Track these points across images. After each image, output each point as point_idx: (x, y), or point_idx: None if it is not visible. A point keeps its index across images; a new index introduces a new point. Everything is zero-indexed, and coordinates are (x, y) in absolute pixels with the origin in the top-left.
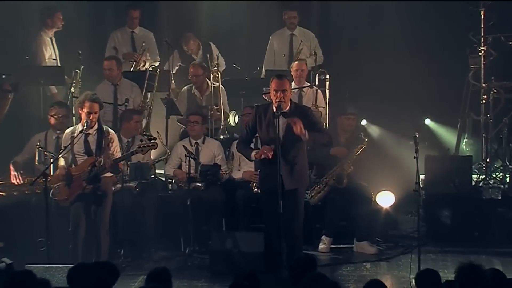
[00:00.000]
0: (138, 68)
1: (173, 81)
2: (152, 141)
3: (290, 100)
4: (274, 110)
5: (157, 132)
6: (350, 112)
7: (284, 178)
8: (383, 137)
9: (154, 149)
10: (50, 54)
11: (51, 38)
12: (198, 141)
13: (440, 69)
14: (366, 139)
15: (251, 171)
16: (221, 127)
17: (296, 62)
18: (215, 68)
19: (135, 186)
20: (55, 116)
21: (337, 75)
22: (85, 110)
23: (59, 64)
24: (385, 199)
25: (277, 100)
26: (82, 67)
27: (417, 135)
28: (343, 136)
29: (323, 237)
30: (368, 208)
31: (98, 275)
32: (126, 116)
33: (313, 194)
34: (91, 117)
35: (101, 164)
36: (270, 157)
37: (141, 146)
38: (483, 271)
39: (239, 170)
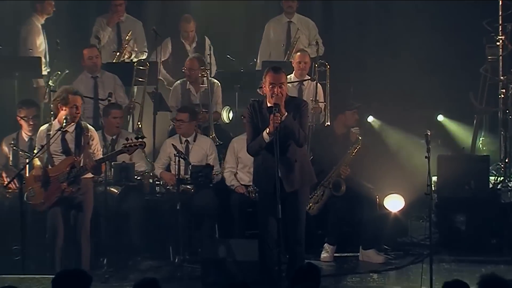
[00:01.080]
0: (122, 59)
1: (163, 71)
2: (140, 140)
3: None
4: (269, 105)
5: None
6: (357, 106)
7: (283, 179)
8: (391, 135)
9: (142, 148)
10: (40, 43)
11: (42, 25)
12: (188, 139)
13: (454, 60)
14: (360, 138)
15: (243, 187)
16: (211, 132)
17: (299, 53)
18: (203, 67)
19: (118, 192)
20: (25, 119)
21: (340, 68)
22: (69, 105)
23: (47, 55)
24: (394, 203)
25: (273, 95)
26: (67, 71)
27: (429, 133)
28: (340, 131)
29: (326, 245)
30: (374, 213)
31: (67, 283)
32: (105, 111)
33: (310, 204)
34: (77, 112)
35: (81, 164)
36: (281, 118)
37: (127, 145)
38: (509, 285)
39: (236, 173)
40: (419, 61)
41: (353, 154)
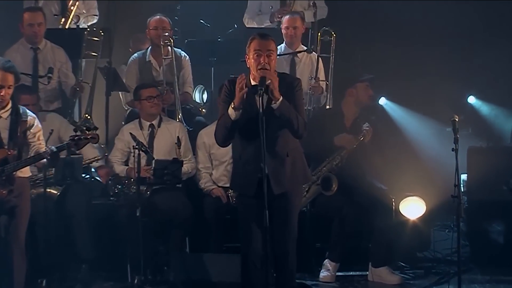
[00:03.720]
0: (67, 25)
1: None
2: (91, 131)
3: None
4: (253, 83)
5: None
6: (369, 77)
7: (271, 178)
8: (408, 122)
9: (94, 143)
10: None
11: None
12: (154, 122)
13: (488, 28)
14: (365, 128)
15: (220, 190)
16: (178, 113)
17: (287, 17)
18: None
19: (57, 193)
20: None
21: (343, 37)
22: None
23: None
24: (412, 208)
25: (258, 66)
26: None
27: (456, 119)
28: (352, 114)
29: (327, 261)
30: (388, 220)
31: None
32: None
33: None
34: (2, 93)
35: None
36: (244, 85)
37: (74, 138)
38: None
39: (211, 174)
40: (444, 28)
41: (355, 145)
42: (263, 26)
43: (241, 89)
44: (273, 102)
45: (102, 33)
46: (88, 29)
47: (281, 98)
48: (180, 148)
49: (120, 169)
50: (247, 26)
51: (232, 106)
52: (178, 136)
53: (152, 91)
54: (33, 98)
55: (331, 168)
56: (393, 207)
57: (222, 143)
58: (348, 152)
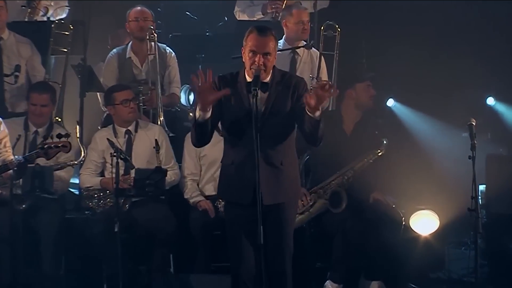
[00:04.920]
0: (35, 18)
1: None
2: (63, 139)
3: (274, 66)
4: (248, 80)
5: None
6: (369, 75)
7: (263, 187)
8: (419, 126)
9: (66, 152)
10: None
11: None
12: (130, 128)
13: (509, 23)
14: (385, 141)
15: (208, 202)
16: (160, 116)
17: (298, 10)
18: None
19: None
20: None
21: (346, 33)
22: None
23: None
24: (424, 223)
25: (252, 66)
26: None
27: (473, 123)
28: (351, 117)
29: (328, 282)
30: (397, 237)
31: None
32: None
33: None
34: None
35: None
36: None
37: (45, 146)
38: None
39: (198, 183)
40: (460, 23)
41: (371, 160)
42: (254, 19)
43: (209, 88)
44: (315, 112)
45: (72, 27)
46: (57, 22)
47: (320, 111)
48: (159, 153)
49: (93, 181)
50: (238, 18)
51: (199, 107)
52: (156, 139)
53: (128, 94)
54: (46, 97)
55: (341, 183)
56: (403, 222)
57: (196, 143)
58: (363, 166)
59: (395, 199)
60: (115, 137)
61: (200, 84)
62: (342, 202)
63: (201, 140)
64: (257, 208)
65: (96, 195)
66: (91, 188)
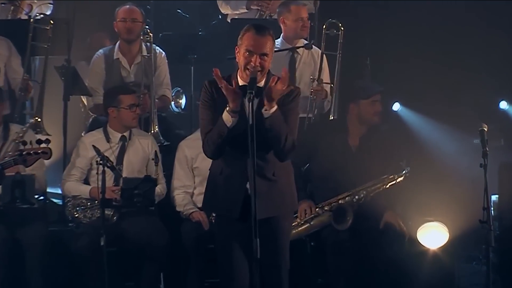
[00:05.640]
0: (18, 16)
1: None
2: (43, 145)
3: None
4: (241, 82)
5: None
6: (378, 90)
7: (257, 199)
8: (427, 132)
9: (46, 159)
10: None
11: None
12: (126, 134)
13: None
14: (406, 170)
15: (202, 214)
16: (153, 126)
17: (297, 6)
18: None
19: None
20: None
21: (353, 33)
22: None
23: None
24: (433, 236)
25: (247, 66)
26: None
27: (485, 129)
28: (355, 130)
29: None
30: (402, 250)
31: None
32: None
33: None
34: None
35: None
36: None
37: (24, 152)
38: None
39: (192, 194)
40: (470, 22)
41: (387, 186)
42: (237, 12)
43: (227, 88)
44: (265, 108)
45: (52, 22)
46: (36, 15)
47: (275, 106)
48: (157, 165)
49: (81, 189)
50: (221, 9)
51: (227, 109)
52: (155, 151)
53: (135, 99)
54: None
55: (351, 203)
56: (406, 234)
57: (214, 155)
58: (377, 191)
59: (401, 211)
60: (108, 141)
61: (224, 84)
62: (348, 219)
63: (223, 150)
64: (248, 221)
65: (83, 205)
66: (78, 197)
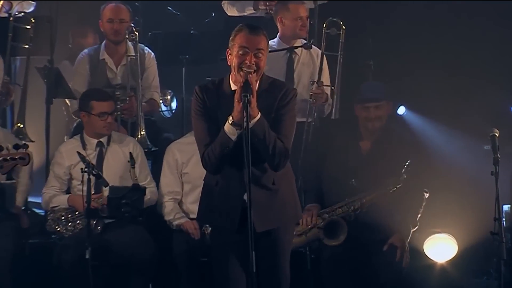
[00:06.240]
0: None
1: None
2: (20, 150)
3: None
4: (233, 86)
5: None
6: (371, 97)
7: (254, 211)
8: (434, 137)
9: (24, 165)
10: None
11: None
12: (102, 139)
13: None
14: (403, 176)
15: (194, 223)
16: (140, 130)
17: (297, 4)
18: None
19: None
20: None
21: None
22: None
23: None
24: (440, 249)
25: (241, 65)
26: None
27: (497, 134)
28: (368, 136)
29: None
30: (405, 263)
31: None
32: None
33: None
34: None
35: None
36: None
37: (0, 158)
38: None
39: (181, 201)
40: (480, 22)
41: (383, 195)
42: (245, 14)
43: (240, 100)
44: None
45: (34, 20)
46: (16, 13)
47: (258, 115)
48: (134, 168)
49: (60, 200)
50: (227, 12)
51: (231, 121)
52: (130, 152)
53: (108, 106)
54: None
55: (347, 213)
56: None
57: (217, 170)
58: (373, 200)
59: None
60: (84, 148)
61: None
62: (340, 235)
63: (224, 164)
64: (246, 233)
65: (63, 217)
66: (56, 208)
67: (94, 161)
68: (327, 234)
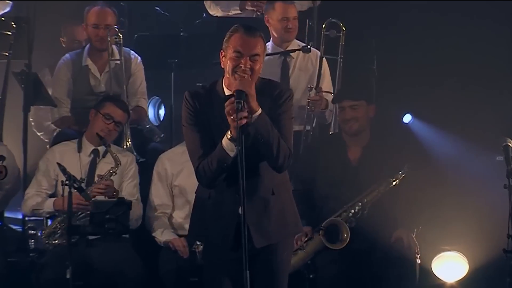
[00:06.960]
0: None
1: None
2: None
3: None
4: (227, 91)
5: None
6: (345, 95)
7: (251, 226)
8: (443, 147)
9: (1, 179)
10: None
11: None
12: (99, 148)
13: None
14: (401, 171)
15: (182, 240)
16: (126, 140)
17: (282, 4)
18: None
19: None
20: None
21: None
22: None
23: None
24: (450, 268)
25: (235, 69)
26: None
27: (510, 144)
28: (355, 145)
29: None
30: (413, 283)
31: None
32: None
33: None
34: None
35: None
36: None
37: None
38: None
39: (171, 216)
40: (492, 24)
41: (384, 191)
42: (229, 14)
43: (232, 113)
44: (250, 115)
45: (15, 25)
46: None
47: (259, 110)
48: (114, 175)
49: (46, 203)
50: (210, 11)
51: (229, 136)
52: (119, 163)
53: (119, 114)
54: None
55: (347, 219)
56: (417, 264)
57: (212, 185)
58: (374, 199)
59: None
60: (79, 151)
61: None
62: (344, 236)
63: (216, 179)
64: (241, 250)
65: (58, 229)
66: (40, 210)
67: (87, 167)
68: (329, 239)
